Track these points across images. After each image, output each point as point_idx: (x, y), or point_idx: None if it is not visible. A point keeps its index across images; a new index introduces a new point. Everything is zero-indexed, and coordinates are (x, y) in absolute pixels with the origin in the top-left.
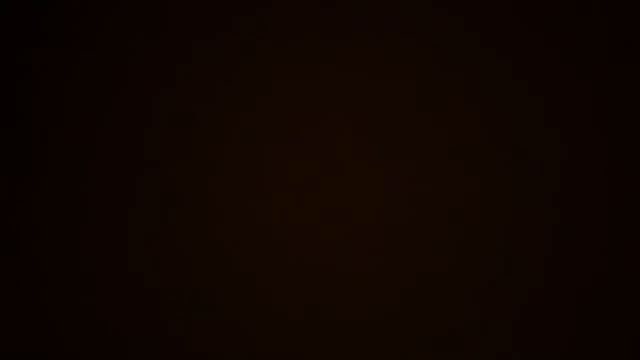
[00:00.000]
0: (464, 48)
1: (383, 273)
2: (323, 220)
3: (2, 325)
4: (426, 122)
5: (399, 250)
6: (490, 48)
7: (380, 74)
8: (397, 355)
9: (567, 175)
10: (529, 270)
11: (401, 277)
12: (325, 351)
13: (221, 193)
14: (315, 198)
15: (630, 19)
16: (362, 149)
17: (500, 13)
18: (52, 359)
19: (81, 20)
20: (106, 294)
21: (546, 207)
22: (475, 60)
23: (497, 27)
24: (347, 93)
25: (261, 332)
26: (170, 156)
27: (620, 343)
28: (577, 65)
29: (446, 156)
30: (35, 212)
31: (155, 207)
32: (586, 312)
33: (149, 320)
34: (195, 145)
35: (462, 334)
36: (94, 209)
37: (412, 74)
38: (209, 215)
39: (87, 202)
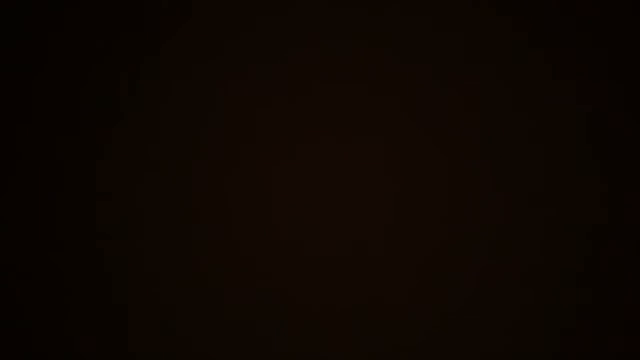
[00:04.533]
0: (463, 61)
1: (388, 270)
2: (330, 220)
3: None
4: (426, 129)
5: (403, 249)
6: (491, 64)
7: (381, 86)
8: (403, 347)
9: (564, 180)
10: (526, 269)
11: (405, 274)
12: (337, 347)
13: (233, 195)
14: (322, 201)
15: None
16: (365, 154)
17: (503, 28)
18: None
19: (96, 23)
20: (114, 293)
21: (545, 209)
22: (473, 70)
23: (499, 40)
24: (351, 104)
25: (274, 331)
26: (181, 158)
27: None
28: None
29: (447, 161)
30: (55, 215)
31: (165, 210)
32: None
33: (158, 320)
34: (206, 150)
35: (465, 332)
36: (101, 210)
37: (411, 85)
38: (219, 217)
39: (95, 203)
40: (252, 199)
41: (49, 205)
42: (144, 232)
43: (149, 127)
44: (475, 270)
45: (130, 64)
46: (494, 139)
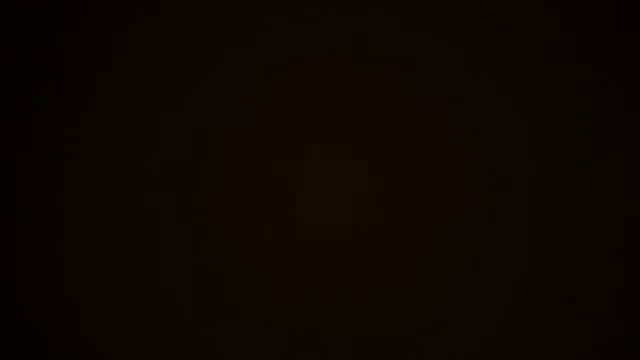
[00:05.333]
0: (458, 73)
1: (387, 268)
2: (329, 220)
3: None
4: (425, 130)
5: (400, 247)
6: (486, 79)
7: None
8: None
9: (545, 186)
10: (511, 268)
11: (404, 272)
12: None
13: (233, 194)
14: (321, 200)
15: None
16: (364, 154)
17: (500, 46)
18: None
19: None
20: (115, 293)
21: (527, 214)
22: (466, 73)
23: (496, 58)
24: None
25: (273, 328)
26: (183, 158)
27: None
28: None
29: (446, 162)
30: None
31: (166, 209)
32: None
33: (158, 319)
34: (207, 151)
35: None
36: (115, 207)
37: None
38: (219, 216)
39: (105, 201)
40: (252, 198)
41: (50, 205)
42: (145, 231)
43: (152, 128)
44: (468, 265)
45: (134, 66)
46: (488, 139)
